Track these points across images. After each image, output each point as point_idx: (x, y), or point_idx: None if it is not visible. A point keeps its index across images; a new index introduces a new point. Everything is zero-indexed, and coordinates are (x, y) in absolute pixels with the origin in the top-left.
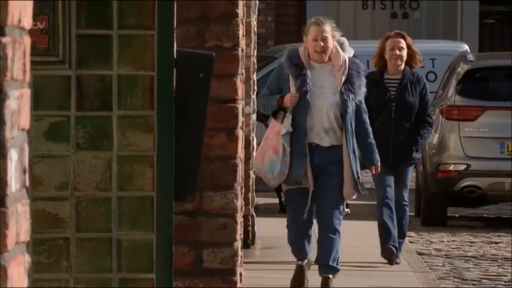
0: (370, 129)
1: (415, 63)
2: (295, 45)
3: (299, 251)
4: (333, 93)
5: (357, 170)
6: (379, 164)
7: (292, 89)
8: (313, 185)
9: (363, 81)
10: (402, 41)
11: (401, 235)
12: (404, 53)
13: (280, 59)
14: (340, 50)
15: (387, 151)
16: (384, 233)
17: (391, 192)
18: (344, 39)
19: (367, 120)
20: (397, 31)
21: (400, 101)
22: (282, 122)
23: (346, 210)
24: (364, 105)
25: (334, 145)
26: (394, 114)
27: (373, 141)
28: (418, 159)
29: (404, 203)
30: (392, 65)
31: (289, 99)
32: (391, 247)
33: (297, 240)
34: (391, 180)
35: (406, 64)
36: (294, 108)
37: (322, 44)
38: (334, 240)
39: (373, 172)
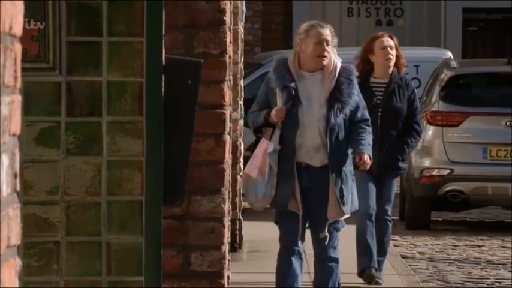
0: (368, 129)
1: (403, 67)
2: (281, 52)
3: (283, 284)
4: (321, 105)
5: (341, 188)
6: (367, 156)
7: (279, 102)
8: (304, 208)
9: (355, 89)
10: (391, 40)
11: (382, 253)
12: (395, 52)
13: (269, 69)
14: (332, 55)
15: (372, 161)
16: (364, 252)
17: (373, 204)
18: (333, 49)
19: (367, 127)
20: (383, 32)
21: (386, 107)
22: (269, 139)
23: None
24: (365, 115)
25: (326, 164)
26: (380, 121)
27: (368, 136)
28: (404, 169)
29: (387, 217)
30: (382, 66)
31: (275, 114)
32: (371, 270)
33: (284, 272)
34: (373, 191)
35: (394, 67)
36: (282, 124)
37: (326, 47)
38: (331, 268)
39: (357, 161)
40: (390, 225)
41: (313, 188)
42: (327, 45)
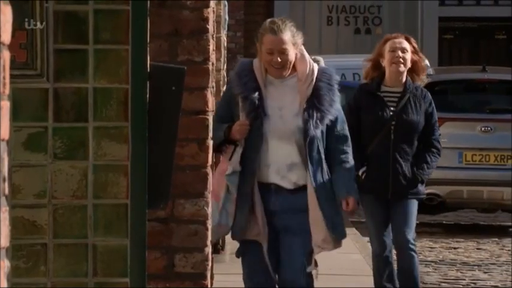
0: (348, 157)
1: (421, 72)
2: None
3: None
4: (295, 114)
5: (331, 213)
6: (355, 199)
7: (242, 114)
8: (271, 239)
9: (336, 95)
10: (405, 42)
11: None
12: (408, 56)
13: (230, 73)
14: (306, 56)
15: (385, 182)
16: None
17: (389, 244)
18: (320, 58)
19: (346, 148)
20: (398, 33)
21: (401, 119)
22: (230, 159)
23: (315, 270)
24: (345, 129)
25: (301, 186)
26: (394, 135)
27: (350, 173)
28: (424, 193)
29: (411, 246)
30: (392, 71)
31: (237, 129)
32: None
33: None
34: (388, 226)
35: (409, 74)
36: (245, 140)
37: (279, 59)
38: None
39: (345, 208)
40: (416, 256)
41: (286, 216)
42: (283, 53)
